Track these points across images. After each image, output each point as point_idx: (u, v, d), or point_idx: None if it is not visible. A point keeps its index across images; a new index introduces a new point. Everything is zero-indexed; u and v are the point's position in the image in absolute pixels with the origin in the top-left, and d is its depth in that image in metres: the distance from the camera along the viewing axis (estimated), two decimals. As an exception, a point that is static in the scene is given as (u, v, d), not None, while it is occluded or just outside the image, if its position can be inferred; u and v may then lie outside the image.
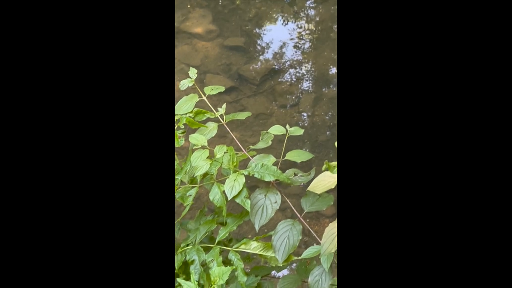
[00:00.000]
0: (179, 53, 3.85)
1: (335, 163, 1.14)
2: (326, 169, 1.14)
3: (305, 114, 3.68)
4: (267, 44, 4.24)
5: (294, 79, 3.93)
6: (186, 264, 1.45)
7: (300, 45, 4.27)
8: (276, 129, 1.51)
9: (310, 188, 1.19)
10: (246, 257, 1.53)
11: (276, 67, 3.97)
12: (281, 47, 4.21)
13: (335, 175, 1.14)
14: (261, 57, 4.07)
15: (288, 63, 4.06)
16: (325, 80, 3.95)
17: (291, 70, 4.01)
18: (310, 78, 4.00)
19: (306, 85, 3.93)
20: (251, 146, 1.49)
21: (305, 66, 4.07)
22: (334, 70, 4.08)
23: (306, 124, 3.58)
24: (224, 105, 1.50)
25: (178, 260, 1.40)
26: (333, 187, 1.15)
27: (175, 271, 1.41)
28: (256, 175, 1.35)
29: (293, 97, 3.78)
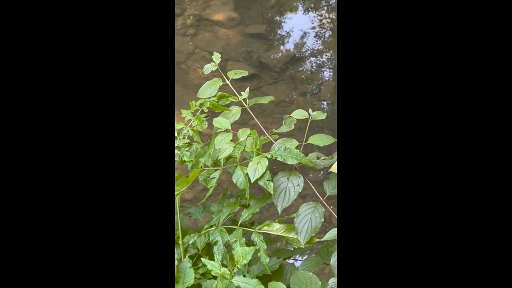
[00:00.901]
0: (200, 41, 3.87)
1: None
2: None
3: (325, 102, 3.67)
4: (287, 32, 4.23)
5: (315, 67, 3.93)
6: (209, 246, 1.47)
7: (321, 34, 4.26)
8: (299, 113, 1.52)
9: (332, 169, 1.20)
10: (268, 241, 1.55)
11: (297, 55, 3.97)
12: (302, 36, 4.21)
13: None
14: (282, 45, 4.07)
15: (309, 51, 4.06)
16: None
17: (312, 59, 4.00)
18: (331, 66, 3.99)
19: (326, 73, 3.92)
20: (274, 130, 1.50)
21: (326, 55, 4.06)
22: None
23: (326, 112, 3.58)
24: (247, 89, 1.52)
25: (201, 241, 1.42)
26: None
27: (199, 253, 1.43)
28: (279, 158, 1.36)
29: (314, 86, 3.78)
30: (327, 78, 3.88)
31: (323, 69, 3.95)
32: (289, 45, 4.07)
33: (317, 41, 4.18)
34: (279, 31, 4.25)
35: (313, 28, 4.30)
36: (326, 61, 4.01)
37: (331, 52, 4.09)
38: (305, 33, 4.25)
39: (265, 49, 3.92)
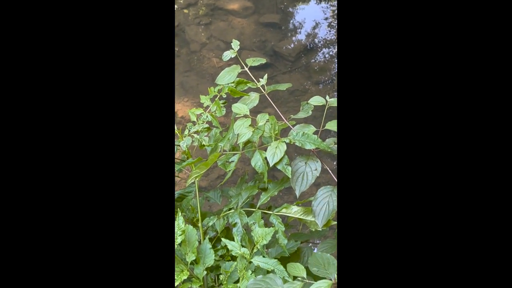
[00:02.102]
0: (215, 30, 3.89)
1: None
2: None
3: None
4: (300, 23, 4.24)
5: (328, 58, 3.94)
6: (227, 229, 1.50)
7: (334, 24, 4.27)
8: (316, 100, 1.54)
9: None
10: (285, 225, 1.58)
11: (310, 45, 3.98)
12: (314, 27, 4.21)
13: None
14: (295, 35, 4.08)
15: (322, 42, 4.07)
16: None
17: (325, 49, 4.01)
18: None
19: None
20: (291, 115, 1.53)
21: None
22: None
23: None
24: (265, 76, 1.54)
25: (220, 224, 1.45)
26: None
27: (218, 235, 1.47)
28: (297, 143, 1.39)
29: (327, 76, 3.79)
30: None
31: (336, 59, 3.96)
32: (302, 36, 4.09)
33: (330, 30, 4.19)
34: (292, 21, 4.26)
35: (326, 18, 4.31)
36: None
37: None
38: (317, 23, 4.25)
39: (279, 38, 3.93)
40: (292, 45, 3.92)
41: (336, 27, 4.27)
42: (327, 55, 3.95)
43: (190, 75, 3.50)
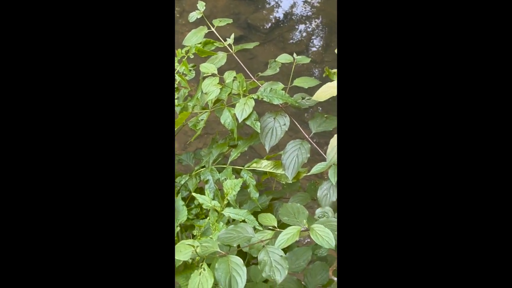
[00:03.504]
0: (187, 3, 3.87)
1: (335, 70, 1.19)
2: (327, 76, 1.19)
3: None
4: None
5: (303, 27, 3.94)
6: (201, 189, 1.52)
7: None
8: (284, 58, 1.56)
9: (314, 97, 1.24)
10: (259, 184, 1.60)
11: (284, 17, 3.98)
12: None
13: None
14: (268, 6, 4.08)
15: (298, 14, 4.07)
16: (333, 25, 3.96)
17: (301, 18, 4.02)
18: (320, 27, 4.01)
19: (315, 33, 3.94)
20: (259, 73, 1.54)
21: (315, 21, 4.07)
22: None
23: (316, 73, 3.62)
24: (232, 35, 1.55)
25: (193, 183, 1.47)
26: (335, 94, 1.20)
27: (191, 194, 1.48)
28: (265, 99, 1.41)
29: (303, 46, 3.80)
30: (316, 37, 3.90)
31: (312, 28, 3.97)
32: (276, 5, 4.08)
33: (305, 4, 4.19)
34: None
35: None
36: (316, 27, 4.02)
37: (320, 19, 4.10)
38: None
39: (253, 10, 3.93)
40: (267, 15, 3.92)
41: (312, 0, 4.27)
42: (302, 26, 3.96)
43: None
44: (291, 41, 3.89)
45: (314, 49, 3.92)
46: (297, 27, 4.00)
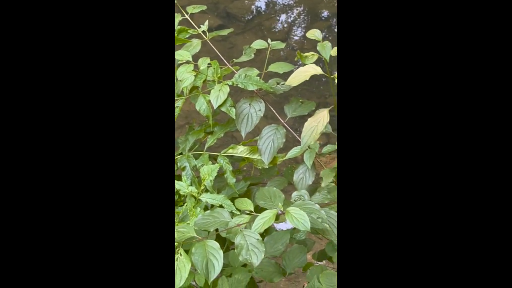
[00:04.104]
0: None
1: (307, 54, 1.20)
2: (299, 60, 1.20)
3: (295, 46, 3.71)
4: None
5: (284, 17, 3.94)
6: (179, 177, 1.52)
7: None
8: (259, 43, 1.56)
9: (287, 82, 1.25)
10: (236, 171, 1.61)
11: (266, 4, 3.98)
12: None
13: (311, 67, 1.21)
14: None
15: (276, 3, 4.07)
16: (315, 13, 3.97)
17: (282, 7, 4.02)
18: (302, 16, 4.01)
19: (296, 22, 3.94)
20: (234, 59, 1.54)
21: (296, 9, 4.07)
22: None
23: (299, 63, 3.63)
24: (206, 22, 1.55)
25: (170, 171, 1.47)
26: (307, 78, 1.21)
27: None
28: (240, 85, 1.41)
29: (283, 34, 3.80)
30: (296, 23, 3.90)
31: (291, 15, 3.97)
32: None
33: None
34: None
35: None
36: (297, 16, 4.02)
37: (302, 7, 4.10)
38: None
39: (231, -1, 3.92)
40: (246, 3, 3.91)
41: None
42: (282, 13, 3.95)
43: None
44: (272, 30, 3.89)
45: (296, 37, 3.93)
46: (278, 17, 4.00)
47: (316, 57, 1.22)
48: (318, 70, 1.22)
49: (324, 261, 1.57)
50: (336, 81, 1.20)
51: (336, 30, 4.04)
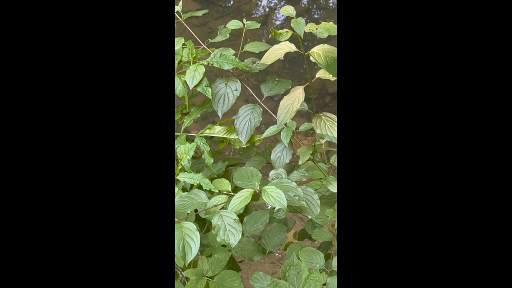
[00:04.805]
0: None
1: (281, 31, 1.19)
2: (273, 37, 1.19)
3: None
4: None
5: (266, 2, 3.92)
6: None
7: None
8: (234, 23, 1.55)
9: (262, 61, 1.24)
10: (216, 152, 1.61)
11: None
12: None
13: (285, 45, 1.20)
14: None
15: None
16: (297, 3, 3.95)
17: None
18: (284, 1, 3.99)
19: (278, 7, 3.92)
20: (209, 40, 1.53)
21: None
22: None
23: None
24: (180, 3, 1.53)
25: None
26: (282, 56, 1.20)
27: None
28: (215, 65, 1.40)
29: (262, 17, 3.78)
30: (273, 6, 3.88)
31: (273, 2, 3.95)
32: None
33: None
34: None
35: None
36: (278, 1, 4.00)
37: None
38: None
39: (210, -17, 3.88)
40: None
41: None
42: (264, 3, 3.93)
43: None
44: (252, 15, 3.86)
45: (277, 22, 3.91)
46: (259, 2, 3.97)
47: (290, 34, 1.21)
48: (292, 47, 1.21)
49: (304, 241, 1.58)
50: (311, 57, 1.20)
51: (315, 16, 4.03)
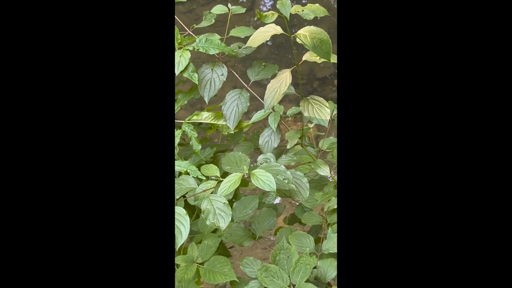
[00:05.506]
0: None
1: (267, 12, 1.18)
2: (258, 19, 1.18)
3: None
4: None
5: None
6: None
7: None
8: (219, 8, 1.53)
9: (248, 44, 1.23)
10: (204, 139, 1.60)
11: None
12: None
13: (271, 27, 1.19)
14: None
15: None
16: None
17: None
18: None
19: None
20: (194, 25, 1.51)
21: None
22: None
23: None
24: (164, -12, 1.51)
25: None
26: (268, 39, 1.19)
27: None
28: (201, 50, 1.39)
29: (249, 3, 3.75)
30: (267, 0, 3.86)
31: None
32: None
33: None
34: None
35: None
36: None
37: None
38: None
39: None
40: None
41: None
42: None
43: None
44: (240, 1, 3.84)
45: (264, 8, 3.89)
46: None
47: (276, 15, 1.19)
48: (278, 30, 1.20)
49: (294, 225, 1.57)
50: (297, 39, 1.18)
51: (304, 1, 4.01)
